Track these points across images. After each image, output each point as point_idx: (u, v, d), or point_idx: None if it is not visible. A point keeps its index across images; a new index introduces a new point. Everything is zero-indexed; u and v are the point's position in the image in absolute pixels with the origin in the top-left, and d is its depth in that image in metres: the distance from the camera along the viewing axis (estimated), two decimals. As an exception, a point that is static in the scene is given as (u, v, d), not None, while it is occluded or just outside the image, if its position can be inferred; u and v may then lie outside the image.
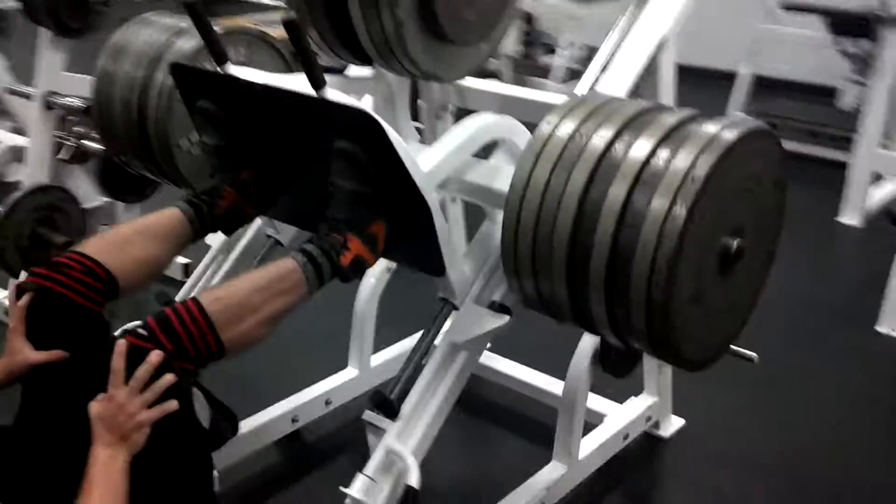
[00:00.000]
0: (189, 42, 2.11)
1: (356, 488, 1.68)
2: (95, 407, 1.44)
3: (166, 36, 2.16)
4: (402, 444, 1.72)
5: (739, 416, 2.73)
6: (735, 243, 1.51)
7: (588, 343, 2.10)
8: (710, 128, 1.47)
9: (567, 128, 1.55)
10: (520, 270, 1.59)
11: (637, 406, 2.53)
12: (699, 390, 2.63)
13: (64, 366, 1.57)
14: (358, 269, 1.70)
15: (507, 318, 1.79)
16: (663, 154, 1.44)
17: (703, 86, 4.80)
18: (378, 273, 2.53)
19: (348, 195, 1.67)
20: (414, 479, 1.65)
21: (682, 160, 1.42)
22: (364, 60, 1.95)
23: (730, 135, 1.44)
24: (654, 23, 2.06)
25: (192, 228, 1.81)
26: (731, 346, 1.71)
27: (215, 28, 1.80)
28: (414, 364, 1.79)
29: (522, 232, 1.55)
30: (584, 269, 1.49)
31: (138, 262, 1.73)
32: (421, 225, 1.70)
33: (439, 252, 1.74)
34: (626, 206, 1.44)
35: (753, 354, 1.88)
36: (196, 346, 1.51)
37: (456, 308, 1.84)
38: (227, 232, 1.96)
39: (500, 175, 1.80)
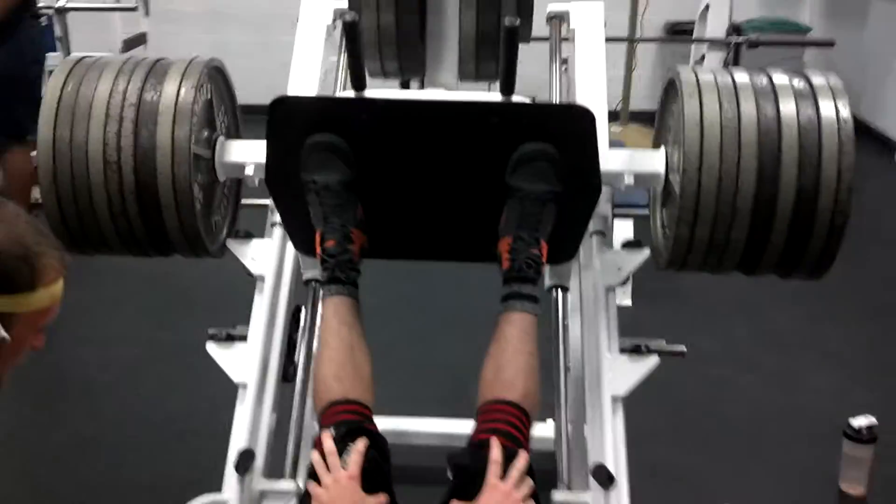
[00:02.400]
0: (175, 84, 1.81)
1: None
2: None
3: (140, 81, 1.83)
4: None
5: None
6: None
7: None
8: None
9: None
10: (698, 220, 1.74)
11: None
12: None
13: None
14: None
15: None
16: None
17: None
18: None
19: (541, 197, 1.69)
20: None
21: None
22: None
23: None
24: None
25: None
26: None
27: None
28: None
29: (705, 190, 1.72)
30: (770, 212, 1.73)
31: (370, 378, 1.69)
32: (584, 212, 1.79)
33: (581, 237, 1.84)
34: (801, 159, 1.72)
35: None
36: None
37: (567, 289, 1.94)
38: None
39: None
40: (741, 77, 1.80)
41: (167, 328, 3.62)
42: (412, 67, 2.07)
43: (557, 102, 1.82)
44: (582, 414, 1.89)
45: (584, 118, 1.65)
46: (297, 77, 2.14)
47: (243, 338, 1.93)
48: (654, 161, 1.91)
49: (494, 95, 1.74)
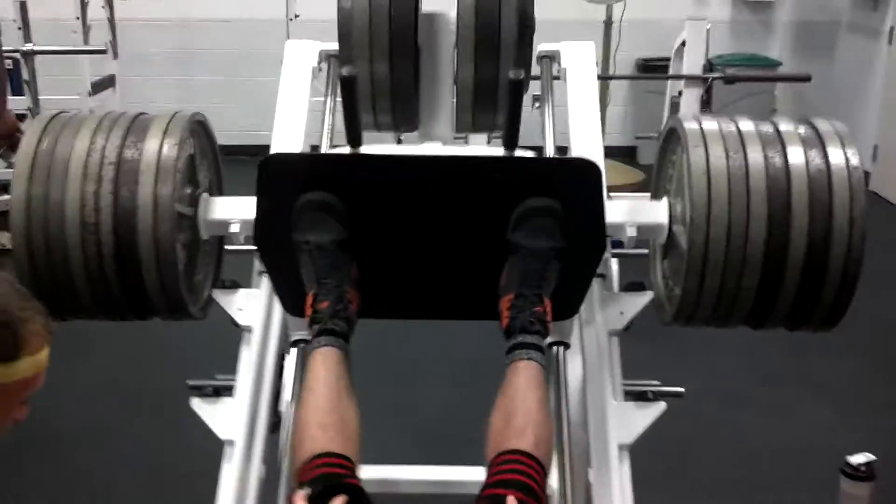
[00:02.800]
0: (157, 140, 1.73)
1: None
2: None
3: (119, 139, 1.74)
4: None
5: None
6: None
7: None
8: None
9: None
10: (707, 271, 1.69)
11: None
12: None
13: None
14: None
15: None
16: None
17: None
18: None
19: (542, 255, 1.62)
20: None
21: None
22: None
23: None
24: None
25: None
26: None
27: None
28: None
29: (714, 240, 1.66)
30: (782, 260, 1.67)
31: (357, 432, 1.56)
32: (588, 268, 1.72)
33: (584, 293, 1.77)
34: (812, 206, 1.67)
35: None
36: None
37: (568, 347, 1.87)
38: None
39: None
40: (746, 125, 1.76)
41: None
42: (406, 120, 2.00)
43: (556, 154, 1.76)
44: (585, 463, 1.83)
45: (589, 172, 1.59)
46: (283, 123, 2.06)
47: (229, 390, 1.84)
48: (657, 212, 1.86)
49: (495, 150, 1.68)
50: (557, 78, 2.21)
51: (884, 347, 3.89)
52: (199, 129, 1.87)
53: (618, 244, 1.94)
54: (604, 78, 5.41)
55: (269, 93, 2.31)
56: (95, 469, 3.06)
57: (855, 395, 3.46)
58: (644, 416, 1.84)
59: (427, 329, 3.43)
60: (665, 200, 1.86)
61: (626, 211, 1.83)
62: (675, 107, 5.05)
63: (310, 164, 1.68)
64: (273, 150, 1.96)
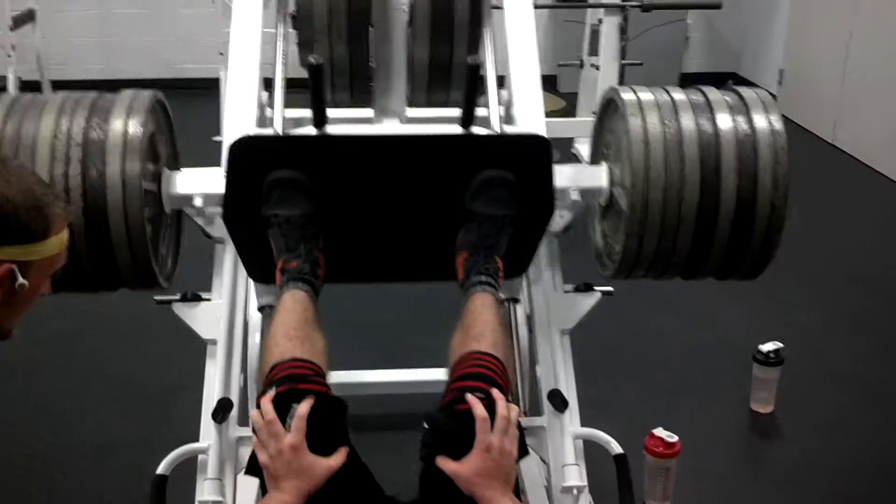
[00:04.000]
0: (122, 120, 1.78)
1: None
2: (474, 469, 1.42)
3: (83, 121, 1.78)
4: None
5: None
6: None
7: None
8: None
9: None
10: (645, 233, 1.83)
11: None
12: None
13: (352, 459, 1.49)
14: None
15: (599, 293, 2.04)
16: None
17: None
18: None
19: (496, 221, 1.75)
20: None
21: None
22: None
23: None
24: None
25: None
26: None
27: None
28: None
29: (652, 202, 1.80)
30: (713, 219, 1.82)
31: (324, 354, 1.66)
32: (537, 231, 1.85)
33: (533, 253, 1.90)
34: (740, 170, 1.81)
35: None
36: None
37: (518, 301, 2.02)
38: None
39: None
40: (678, 95, 1.89)
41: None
42: (363, 97, 2.08)
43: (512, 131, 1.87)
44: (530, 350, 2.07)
45: (540, 147, 1.71)
46: (238, 57, 2.03)
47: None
48: (598, 177, 1.98)
49: (453, 127, 1.78)
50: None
51: (791, 256, 4.13)
52: (158, 107, 1.92)
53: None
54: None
55: (192, 25, 2.32)
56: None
57: (766, 300, 3.71)
58: (582, 305, 2.05)
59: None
60: (605, 165, 1.99)
61: (569, 177, 1.95)
62: (594, 34, 5.19)
63: (277, 145, 1.76)
64: (228, 86, 2.00)
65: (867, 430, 3.00)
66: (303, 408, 1.44)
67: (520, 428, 1.51)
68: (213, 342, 1.99)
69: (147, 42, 6.48)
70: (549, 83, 6.86)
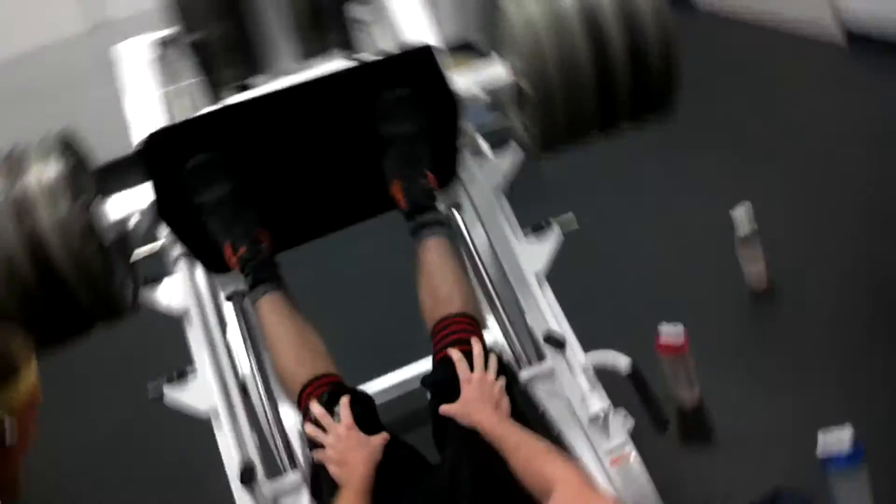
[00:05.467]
0: (40, 167, 1.80)
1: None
2: (463, 401, 1.60)
3: (2, 182, 1.80)
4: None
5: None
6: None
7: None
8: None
9: None
10: (554, 106, 1.90)
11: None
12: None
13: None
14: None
15: (559, 229, 2.10)
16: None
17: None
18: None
19: (411, 137, 1.84)
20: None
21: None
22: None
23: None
24: None
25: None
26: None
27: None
28: None
29: (552, 77, 1.87)
30: (611, 75, 1.91)
31: (326, 353, 1.82)
32: (452, 131, 1.94)
33: (457, 153, 1.98)
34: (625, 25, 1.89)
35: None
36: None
37: (460, 206, 2.11)
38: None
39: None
40: None
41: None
42: (253, 67, 2.12)
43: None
44: (516, 305, 2.07)
45: (425, 53, 1.80)
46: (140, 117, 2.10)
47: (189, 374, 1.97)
48: (498, 71, 2.05)
49: (339, 63, 1.84)
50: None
51: (732, 136, 4.20)
52: (70, 140, 1.95)
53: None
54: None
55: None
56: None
57: (719, 183, 3.77)
58: (547, 245, 2.09)
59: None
60: (503, 60, 2.05)
61: (473, 80, 2.02)
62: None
63: (183, 131, 1.79)
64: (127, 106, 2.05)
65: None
66: (344, 399, 1.66)
67: (500, 359, 1.67)
68: (215, 412, 1.91)
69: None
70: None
